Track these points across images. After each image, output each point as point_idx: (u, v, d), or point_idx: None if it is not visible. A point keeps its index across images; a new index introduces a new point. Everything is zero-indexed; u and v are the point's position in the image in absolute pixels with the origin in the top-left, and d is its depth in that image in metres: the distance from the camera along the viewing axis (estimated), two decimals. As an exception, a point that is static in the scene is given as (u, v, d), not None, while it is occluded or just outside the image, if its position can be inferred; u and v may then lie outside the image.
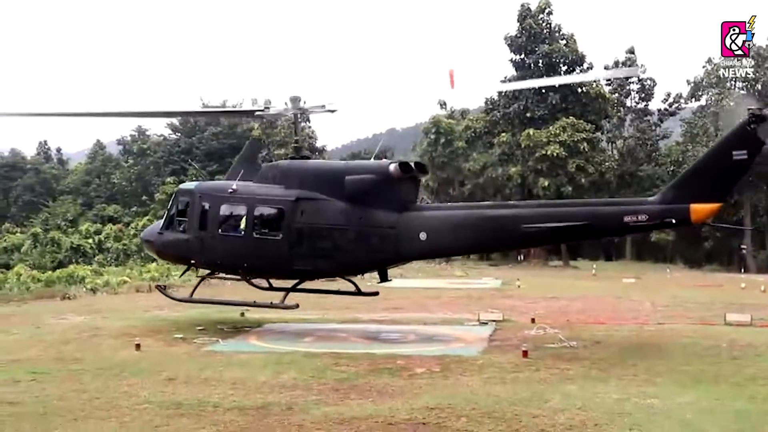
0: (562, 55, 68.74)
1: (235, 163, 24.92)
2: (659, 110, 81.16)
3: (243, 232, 20.95)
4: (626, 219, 18.47)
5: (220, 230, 21.32)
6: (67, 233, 72.84)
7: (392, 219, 19.74)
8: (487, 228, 19.47)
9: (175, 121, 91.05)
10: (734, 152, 17.26)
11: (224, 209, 21.38)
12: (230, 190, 21.36)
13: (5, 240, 70.85)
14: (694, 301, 31.52)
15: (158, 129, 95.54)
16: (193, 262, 22.79)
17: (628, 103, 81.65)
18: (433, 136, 73.42)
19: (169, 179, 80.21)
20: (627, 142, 79.34)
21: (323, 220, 20.14)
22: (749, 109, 17.36)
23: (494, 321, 24.34)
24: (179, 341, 20.54)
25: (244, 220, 20.99)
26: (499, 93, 71.51)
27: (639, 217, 18.31)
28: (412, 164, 20.60)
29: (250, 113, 24.26)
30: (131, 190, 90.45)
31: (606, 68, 79.58)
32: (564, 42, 69.91)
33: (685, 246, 72.95)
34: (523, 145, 66.28)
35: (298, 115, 22.30)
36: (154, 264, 53.28)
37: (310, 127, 77.54)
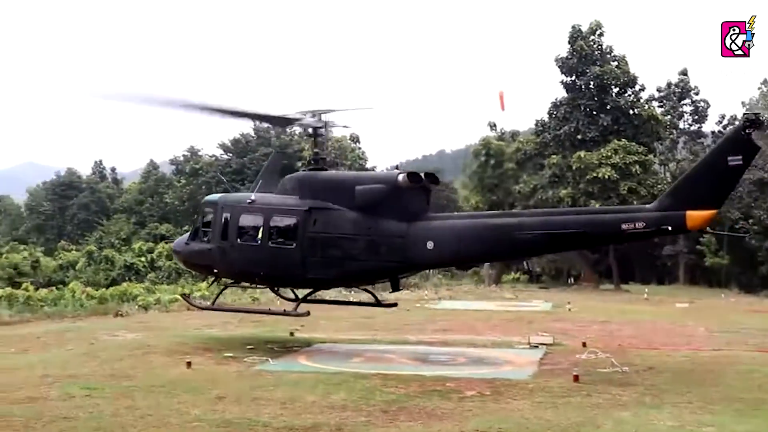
0: (613, 76, 68.18)
1: (259, 175, 25.43)
2: (713, 132, 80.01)
3: (259, 242, 21.37)
4: (624, 227, 18.53)
5: (238, 240, 21.73)
6: (121, 251, 73.80)
7: (402, 228, 20.05)
8: (488, 236, 19.78)
9: (226, 141, 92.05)
10: (729, 158, 17.34)
11: (243, 220, 21.81)
12: (248, 201, 21.96)
13: (61, 257, 71.96)
14: (750, 327, 30.83)
15: (210, 149, 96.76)
16: (215, 271, 23.17)
17: (681, 125, 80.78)
18: (482, 158, 73.10)
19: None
20: (680, 164, 78.18)
21: (335, 230, 20.53)
22: (745, 115, 17.64)
23: (545, 344, 24.07)
24: (229, 360, 20.65)
25: (260, 229, 21.41)
26: (550, 114, 71.07)
27: (636, 225, 18.36)
28: (422, 174, 20.86)
29: (277, 119, 24.42)
30: (183, 210, 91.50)
31: (659, 90, 78.89)
32: (615, 63, 69.36)
33: (741, 270, 71.66)
34: (574, 167, 65.77)
35: (318, 128, 22.54)
36: (204, 283, 53.65)
37: (360, 148, 77.91)
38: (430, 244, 19.72)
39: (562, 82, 70.93)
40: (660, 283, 73.05)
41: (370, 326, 28.24)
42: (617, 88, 69.11)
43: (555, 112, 70.62)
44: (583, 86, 69.23)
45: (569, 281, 71.39)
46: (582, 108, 68.80)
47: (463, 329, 29.41)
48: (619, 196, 63.91)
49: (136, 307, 39.10)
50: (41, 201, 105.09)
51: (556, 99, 71.43)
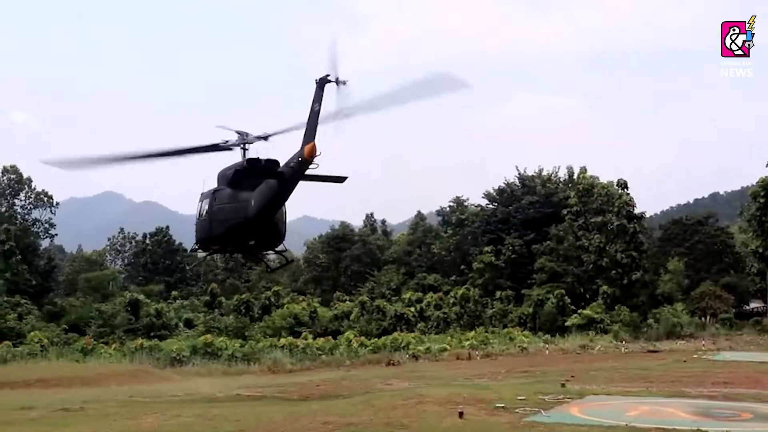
0: None
1: None
2: None
3: (201, 217, 28.89)
4: (292, 164, 25.42)
5: (198, 217, 29.17)
6: (391, 301, 76.24)
7: (246, 196, 27.16)
8: (266, 191, 26.38)
9: (491, 191, 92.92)
10: (315, 105, 24.79)
11: (201, 205, 29.05)
12: (203, 192, 29.11)
13: (336, 308, 75.36)
14: None
15: (476, 199, 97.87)
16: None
17: None
18: (762, 200, 68.62)
19: (486, 248, 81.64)
20: None
21: (222, 202, 27.96)
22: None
23: (844, 401, 21.99)
24: (501, 411, 20.62)
25: (202, 209, 28.86)
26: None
27: (297, 160, 25.25)
28: (262, 160, 27.01)
29: (205, 148, 29.47)
30: (450, 260, 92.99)
31: None
32: None
33: None
34: None
35: (246, 143, 28.76)
36: (473, 332, 54.18)
37: (628, 194, 75.66)
38: (252, 203, 26.70)
39: None
40: None
41: (645, 378, 27.21)
42: None
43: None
44: None
45: None
46: None
47: (746, 383, 27.59)
48: None
49: (407, 356, 40.17)
50: (317, 254, 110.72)
51: None
